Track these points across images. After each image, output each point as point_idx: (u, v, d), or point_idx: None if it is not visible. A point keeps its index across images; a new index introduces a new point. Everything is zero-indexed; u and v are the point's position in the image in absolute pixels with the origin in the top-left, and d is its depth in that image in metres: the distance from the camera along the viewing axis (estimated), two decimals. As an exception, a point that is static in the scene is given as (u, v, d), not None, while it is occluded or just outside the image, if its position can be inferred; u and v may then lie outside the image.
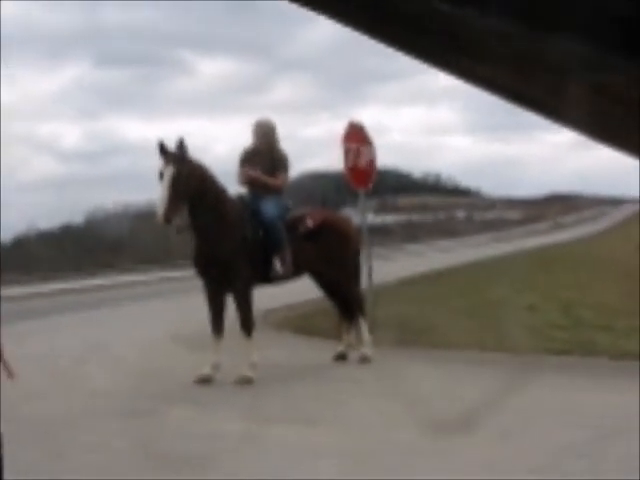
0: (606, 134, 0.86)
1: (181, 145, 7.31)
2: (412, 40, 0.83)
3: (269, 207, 7.81)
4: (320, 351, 8.82)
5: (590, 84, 0.77)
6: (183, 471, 4.77)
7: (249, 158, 8.05)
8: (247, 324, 7.59)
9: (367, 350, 8.24)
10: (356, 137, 10.73)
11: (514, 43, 0.78)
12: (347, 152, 10.53)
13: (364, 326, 8.38)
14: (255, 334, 7.67)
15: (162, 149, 7.28)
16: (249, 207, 7.84)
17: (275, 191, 8.00)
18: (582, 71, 0.76)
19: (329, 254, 8.12)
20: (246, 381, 7.29)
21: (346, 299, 8.45)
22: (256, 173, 7.92)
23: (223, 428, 5.76)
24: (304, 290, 10.70)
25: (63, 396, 7.27)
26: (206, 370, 7.43)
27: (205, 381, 7.34)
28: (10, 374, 2.56)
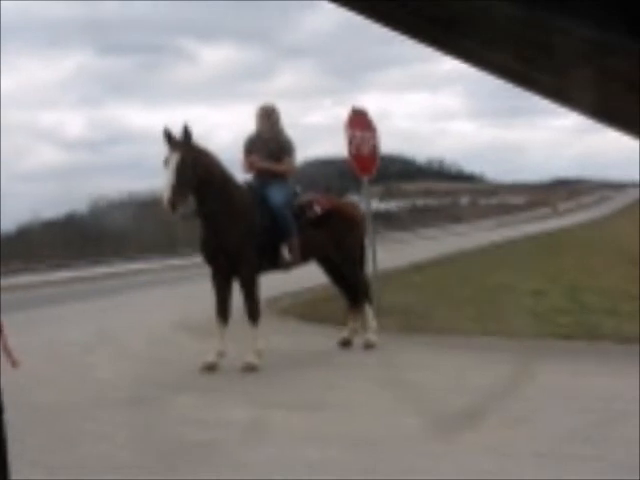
0: (612, 117, 0.86)
1: (186, 132, 7.29)
2: (414, 24, 0.83)
3: (277, 194, 7.79)
4: (325, 337, 8.83)
5: (595, 66, 0.77)
6: (189, 458, 4.79)
7: (253, 143, 8.02)
8: (253, 311, 7.60)
9: (372, 336, 8.25)
10: (360, 123, 10.72)
11: (517, 26, 0.77)
12: (351, 139, 10.52)
13: (370, 312, 8.39)
14: (260, 321, 7.67)
15: (168, 136, 7.26)
16: (257, 194, 7.82)
17: (282, 176, 7.99)
18: (587, 53, 0.76)
19: (337, 240, 8.13)
20: (251, 368, 7.31)
21: (352, 285, 8.45)
22: (260, 161, 7.89)
23: (229, 415, 5.78)
24: (308, 277, 10.71)
25: (66, 385, 7.30)
26: (211, 357, 7.45)
27: (210, 369, 7.36)
28: (14, 362, 2.57)
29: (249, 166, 7.96)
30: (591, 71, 0.78)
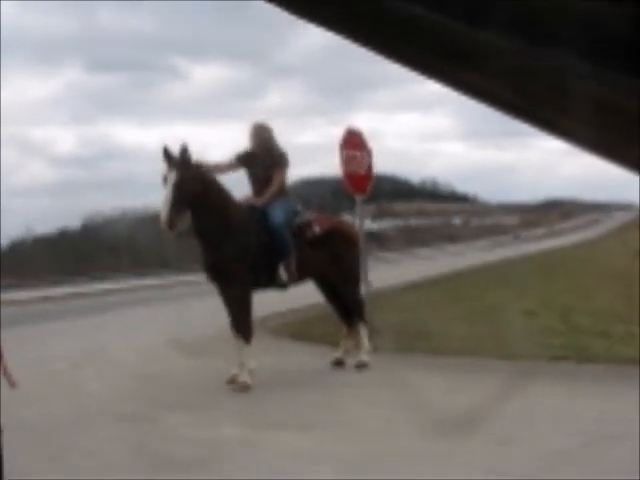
0: (605, 149, 0.87)
1: (184, 150, 7.33)
2: (408, 51, 0.84)
3: (276, 213, 7.81)
4: (317, 357, 8.82)
5: (589, 99, 0.78)
6: (179, 476, 4.77)
7: (247, 161, 8.04)
8: (245, 330, 7.58)
9: (364, 356, 8.24)
10: (354, 143, 10.75)
11: (512, 57, 0.79)
12: (345, 158, 10.55)
13: (364, 332, 8.39)
14: (253, 340, 7.66)
15: (166, 154, 7.29)
16: (257, 212, 7.83)
17: (283, 194, 8.00)
18: (581, 86, 0.77)
19: (335, 259, 8.15)
20: (244, 387, 7.29)
21: (347, 304, 8.45)
22: (258, 200, 7.92)
23: (220, 434, 5.76)
24: (301, 296, 10.70)
25: (59, 401, 7.27)
26: (235, 370, 7.44)
27: (233, 382, 7.38)
28: (12, 383, 2.57)
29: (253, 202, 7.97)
30: (590, 107, 0.79)
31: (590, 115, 0.79)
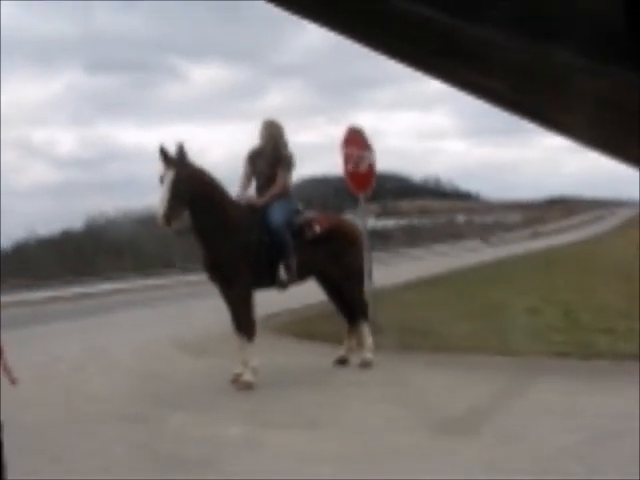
0: (607, 145, 0.87)
1: (181, 150, 7.35)
2: (407, 49, 0.84)
3: (276, 212, 7.82)
4: (321, 355, 8.82)
5: (589, 95, 0.78)
6: (183, 474, 4.78)
7: (254, 159, 8.07)
8: (248, 328, 7.59)
9: (368, 354, 8.24)
10: (356, 142, 10.76)
11: (513, 53, 0.79)
12: (347, 157, 10.56)
13: (366, 330, 8.38)
14: (256, 338, 7.67)
15: (163, 154, 7.31)
16: (258, 211, 7.84)
17: (284, 193, 8.01)
18: (581, 82, 0.77)
19: (337, 258, 8.15)
20: (247, 386, 7.30)
21: (350, 302, 8.45)
22: (259, 200, 7.94)
23: (223, 432, 5.77)
24: (304, 295, 10.71)
25: (61, 402, 7.29)
26: (238, 369, 7.45)
27: (237, 381, 7.41)
28: (12, 381, 2.58)
29: (249, 202, 7.97)
30: (590, 102, 0.79)
31: (590, 111, 0.79)
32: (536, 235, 69.16)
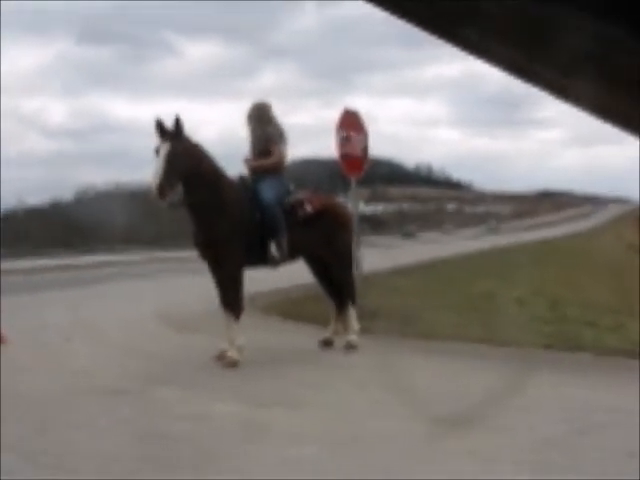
0: (613, 114, 0.86)
1: (178, 123, 7.29)
2: (427, 15, 0.83)
3: (268, 190, 7.80)
4: (307, 337, 8.83)
5: (597, 62, 0.77)
6: (168, 450, 4.77)
7: (250, 141, 8.11)
8: (235, 307, 7.57)
9: (353, 337, 8.24)
10: (351, 124, 10.73)
11: (523, 18, 0.77)
12: (341, 139, 10.53)
13: (353, 313, 8.38)
14: (242, 317, 7.66)
15: (159, 126, 7.25)
16: (249, 189, 7.83)
17: (276, 170, 7.99)
18: (590, 49, 0.76)
19: (327, 239, 8.12)
20: (232, 364, 7.29)
21: (338, 285, 8.44)
22: (252, 162, 7.95)
23: (209, 410, 5.76)
24: (292, 275, 10.71)
25: (48, 372, 7.27)
26: (224, 346, 7.46)
27: (222, 358, 7.40)
28: (4, 340, 2.56)
29: (247, 167, 8.02)
30: (593, 67, 0.78)
31: (593, 75, 0.78)
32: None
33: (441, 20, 0.83)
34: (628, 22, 0.72)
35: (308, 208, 8.07)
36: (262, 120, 8.06)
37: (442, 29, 0.83)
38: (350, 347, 8.16)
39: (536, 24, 0.77)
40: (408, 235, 55.91)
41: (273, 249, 7.74)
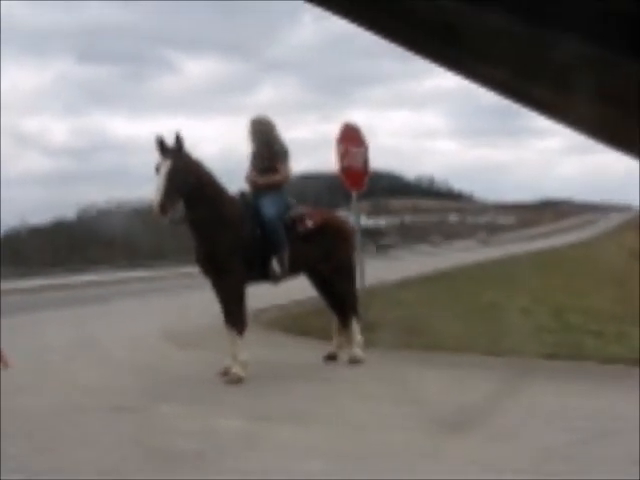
0: (609, 136, 0.86)
1: (178, 140, 7.33)
2: (413, 36, 0.84)
3: (270, 206, 7.81)
4: (311, 351, 8.82)
5: (593, 84, 0.78)
6: (173, 467, 4.77)
7: (251, 160, 8.10)
8: (239, 322, 7.57)
9: (357, 351, 8.23)
10: (351, 138, 10.76)
11: (516, 41, 0.79)
12: (342, 153, 10.56)
13: (356, 327, 8.37)
14: (246, 333, 7.66)
15: (160, 143, 7.29)
16: (250, 205, 7.85)
17: (277, 187, 8.00)
18: (585, 71, 0.77)
19: (328, 253, 8.13)
20: (236, 380, 7.30)
21: (340, 299, 8.44)
22: (258, 179, 7.96)
23: (213, 426, 5.76)
24: (295, 290, 10.71)
25: (51, 390, 7.27)
26: (228, 363, 7.46)
27: (226, 374, 7.40)
28: (5, 364, 2.58)
29: (250, 184, 8.02)
30: (589, 88, 0.79)
31: (589, 98, 0.79)
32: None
33: (425, 40, 0.85)
34: (615, 41, 0.74)
35: (309, 223, 8.08)
36: (266, 136, 8.06)
37: (426, 50, 0.85)
38: (354, 361, 8.15)
39: (522, 44, 0.79)
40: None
41: (275, 265, 7.75)
